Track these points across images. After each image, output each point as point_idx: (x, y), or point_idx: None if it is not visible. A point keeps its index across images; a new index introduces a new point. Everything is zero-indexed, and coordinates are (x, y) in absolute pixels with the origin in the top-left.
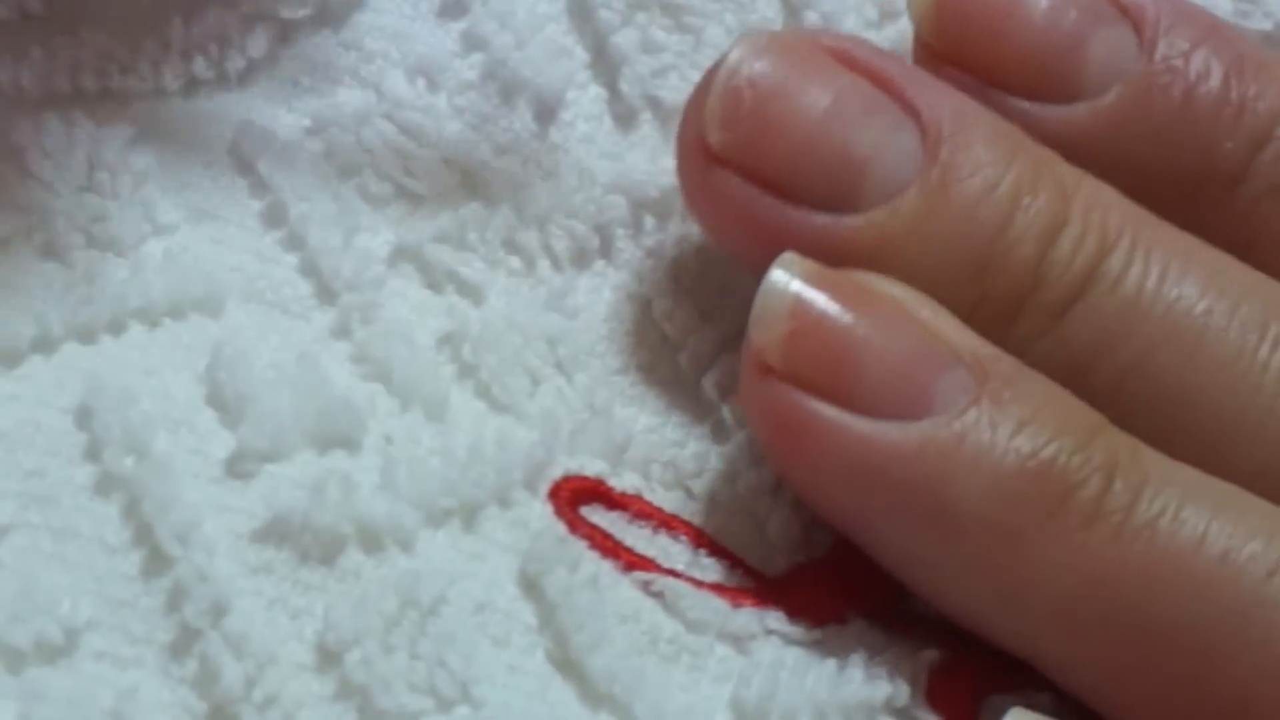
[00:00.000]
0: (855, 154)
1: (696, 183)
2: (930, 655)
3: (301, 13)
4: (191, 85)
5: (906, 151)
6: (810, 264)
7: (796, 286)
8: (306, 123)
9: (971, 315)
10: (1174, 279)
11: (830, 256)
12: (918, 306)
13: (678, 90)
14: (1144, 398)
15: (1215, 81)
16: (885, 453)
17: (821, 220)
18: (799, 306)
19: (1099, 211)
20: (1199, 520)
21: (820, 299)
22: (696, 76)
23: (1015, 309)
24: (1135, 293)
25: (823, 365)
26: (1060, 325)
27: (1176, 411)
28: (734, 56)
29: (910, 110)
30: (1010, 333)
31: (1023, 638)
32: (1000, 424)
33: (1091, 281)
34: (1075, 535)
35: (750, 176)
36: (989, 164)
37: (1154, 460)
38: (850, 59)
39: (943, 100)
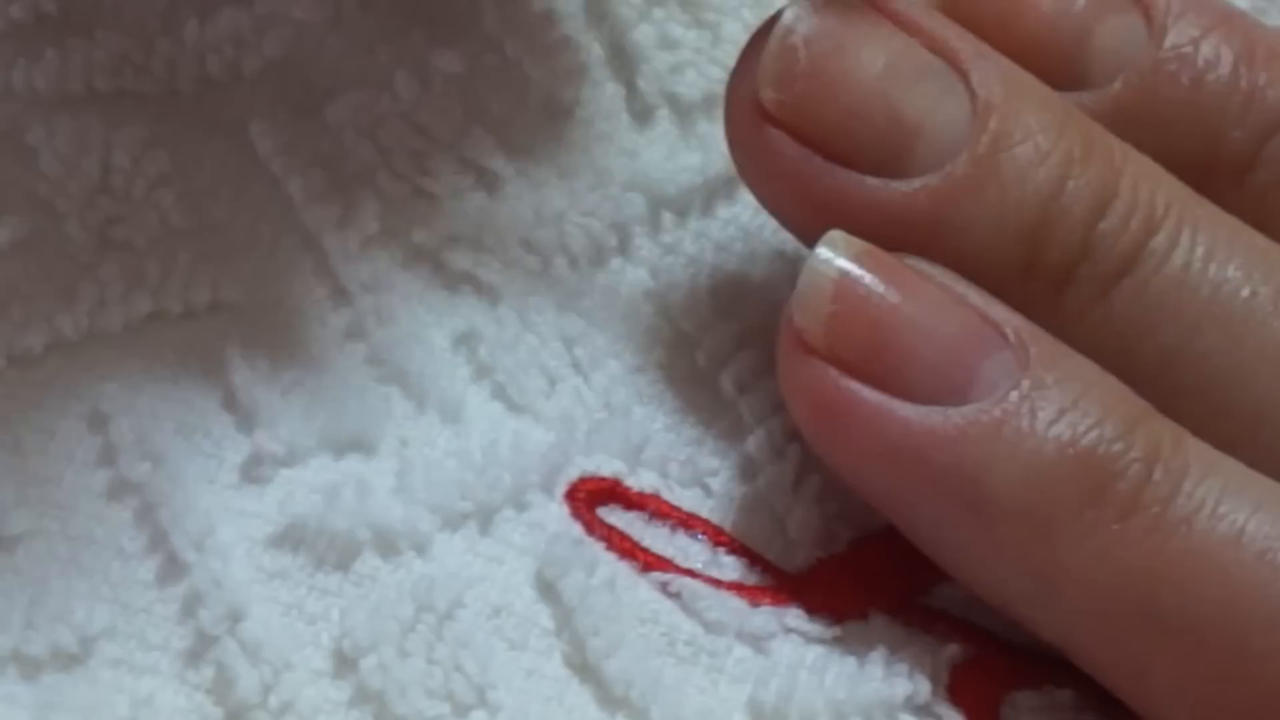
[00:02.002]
0: (908, 118)
1: (748, 141)
2: (952, 651)
3: (317, 15)
4: (206, 86)
5: (958, 117)
6: (856, 243)
7: (842, 265)
8: (320, 123)
9: (1021, 283)
10: (1220, 261)
11: (881, 221)
12: (965, 289)
13: (695, 86)
14: (1189, 380)
15: (1224, 69)
16: (926, 438)
17: (873, 184)
18: (843, 287)
19: (1147, 187)
20: (1238, 516)
21: (865, 279)
22: (715, 72)
23: (1064, 279)
24: (1181, 272)
25: (866, 348)
26: (1108, 300)
27: (1221, 396)
28: (789, 14)
29: (961, 75)
30: (1059, 305)
31: (1054, 627)
32: (1041, 409)
33: (1139, 257)
34: (1111, 526)
35: (802, 137)
36: (1039, 132)
37: (1197, 450)
38: (903, 21)
39: (993, 66)
